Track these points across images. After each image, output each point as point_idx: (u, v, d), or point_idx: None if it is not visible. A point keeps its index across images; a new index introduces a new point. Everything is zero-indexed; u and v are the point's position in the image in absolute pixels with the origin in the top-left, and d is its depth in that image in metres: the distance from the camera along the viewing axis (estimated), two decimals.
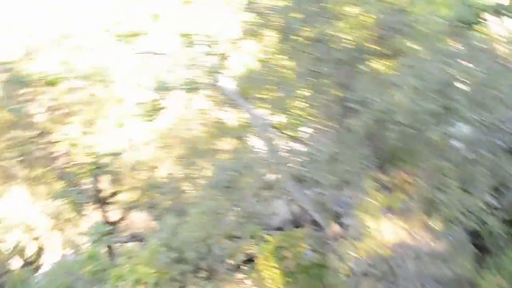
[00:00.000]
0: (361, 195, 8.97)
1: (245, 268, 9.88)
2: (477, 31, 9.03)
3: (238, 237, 10.45)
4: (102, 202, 14.27)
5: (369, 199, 8.67)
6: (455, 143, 8.29)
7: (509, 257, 7.82)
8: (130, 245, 13.37)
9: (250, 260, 10.09)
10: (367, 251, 8.45)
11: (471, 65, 7.89)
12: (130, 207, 14.30)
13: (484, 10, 9.86)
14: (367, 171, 8.95)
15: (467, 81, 7.85)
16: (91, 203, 14.08)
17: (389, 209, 8.44)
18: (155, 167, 14.23)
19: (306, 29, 9.30)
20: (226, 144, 13.18)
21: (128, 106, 13.80)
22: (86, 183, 14.07)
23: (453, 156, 8.16)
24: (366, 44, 9.04)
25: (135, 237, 15.07)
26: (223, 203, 10.58)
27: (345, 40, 9.41)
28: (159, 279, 10.16)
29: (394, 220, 8.27)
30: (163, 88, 12.93)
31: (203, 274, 10.13)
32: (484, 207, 7.65)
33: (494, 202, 7.82)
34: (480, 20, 9.08)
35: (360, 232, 8.76)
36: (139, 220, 14.40)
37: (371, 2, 8.40)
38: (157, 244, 10.49)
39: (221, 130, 13.14)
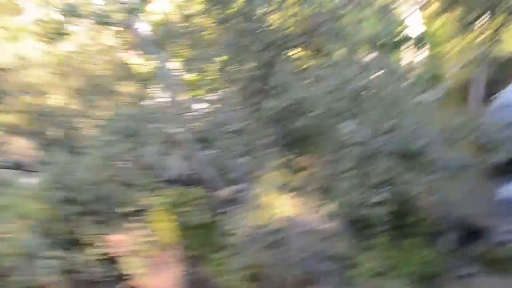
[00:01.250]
0: (263, 167, 9.77)
1: (136, 218, 10.07)
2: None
3: (133, 185, 10.57)
4: None
5: (269, 173, 9.50)
6: (356, 139, 9.51)
7: (387, 240, 9.31)
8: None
9: (141, 210, 10.30)
10: (257, 220, 9.32)
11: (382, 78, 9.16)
12: (11, 131, 13.08)
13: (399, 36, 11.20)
14: (273, 148, 9.75)
15: (376, 91, 9.11)
16: None
17: (287, 186, 9.38)
18: (45, 94, 13.14)
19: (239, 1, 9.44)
20: (129, 88, 12.78)
21: (27, 20, 12.33)
22: None
23: (353, 151, 9.41)
24: (296, 35, 9.62)
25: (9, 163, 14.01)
26: (121, 150, 10.55)
27: (276, 25, 9.86)
28: (43, 215, 9.89)
29: (290, 197, 9.24)
30: (70, 11, 11.93)
31: (92, 218, 10.11)
32: (374, 198, 9.00)
33: (384, 195, 9.14)
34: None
35: (253, 201, 9.59)
36: (19, 146, 13.31)
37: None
38: (48, 180, 10.12)
39: (126, 72, 12.69)
